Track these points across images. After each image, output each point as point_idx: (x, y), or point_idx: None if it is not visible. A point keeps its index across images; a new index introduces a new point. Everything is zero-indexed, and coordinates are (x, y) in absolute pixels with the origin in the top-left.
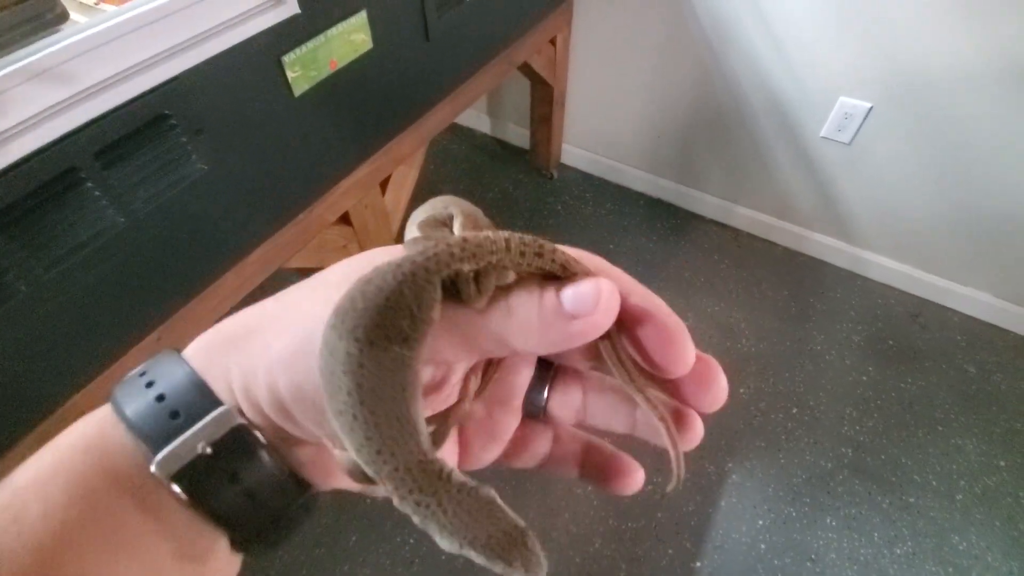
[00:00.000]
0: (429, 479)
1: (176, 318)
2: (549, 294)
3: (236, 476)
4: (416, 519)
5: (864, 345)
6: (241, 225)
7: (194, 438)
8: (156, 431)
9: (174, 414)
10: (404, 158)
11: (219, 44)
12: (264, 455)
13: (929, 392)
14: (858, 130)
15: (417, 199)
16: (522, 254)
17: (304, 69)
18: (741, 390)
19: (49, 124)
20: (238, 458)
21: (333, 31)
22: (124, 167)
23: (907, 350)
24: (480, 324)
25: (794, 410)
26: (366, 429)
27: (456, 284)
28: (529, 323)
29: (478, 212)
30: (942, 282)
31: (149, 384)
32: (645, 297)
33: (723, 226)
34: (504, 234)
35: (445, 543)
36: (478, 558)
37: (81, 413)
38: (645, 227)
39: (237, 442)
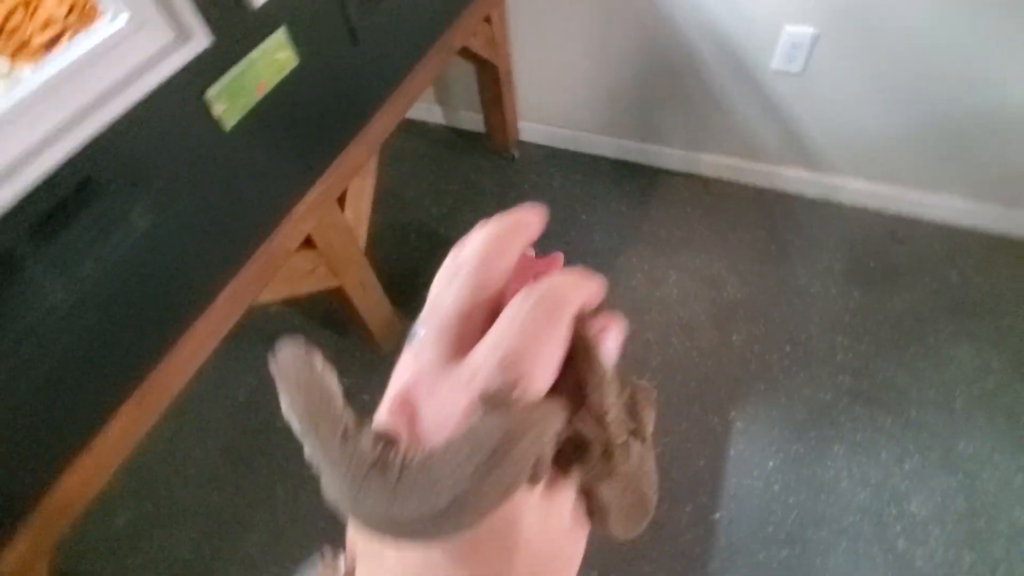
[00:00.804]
0: None
1: (152, 378)
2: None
3: None
4: None
5: (846, 271)
6: (201, 270)
7: None
8: None
9: None
10: (356, 169)
11: (133, 94)
12: None
13: (915, 307)
14: (808, 58)
15: (378, 207)
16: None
17: (231, 100)
18: (733, 337)
19: None
20: None
21: (254, 54)
22: (62, 239)
23: (888, 268)
24: None
25: (788, 348)
26: None
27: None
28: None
29: None
30: (913, 194)
31: None
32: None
33: (691, 176)
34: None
35: None
36: None
37: (73, 493)
38: (615, 192)
39: None
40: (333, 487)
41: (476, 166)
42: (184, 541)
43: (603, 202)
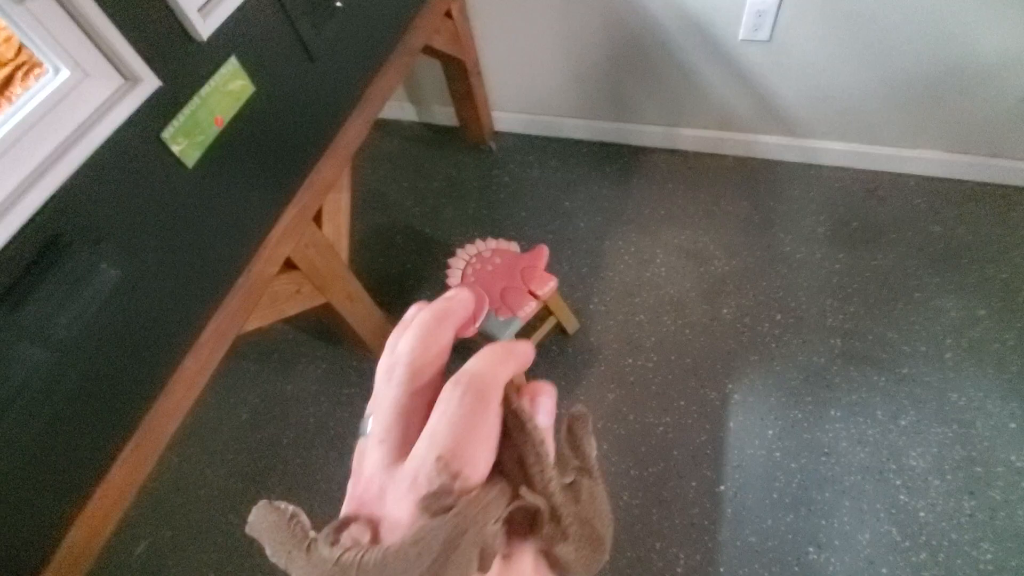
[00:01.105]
0: None
1: (146, 421)
2: None
3: None
4: None
5: (830, 234)
6: (182, 310)
7: None
8: None
9: None
10: (330, 185)
11: (88, 145)
12: None
13: (901, 263)
14: (774, 24)
15: (360, 213)
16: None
17: (189, 138)
18: (724, 311)
19: None
20: None
21: (206, 89)
22: (33, 303)
23: (871, 227)
24: None
25: (778, 316)
26: None
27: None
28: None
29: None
30: (891, 151)
31: None
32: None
33: (671, 152)
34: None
35: None
36: None
37: (83, 546)
38: (595, 175)
39: None
40: None
41: (455, 161)
42: (205, 563)
43: (584, 186)
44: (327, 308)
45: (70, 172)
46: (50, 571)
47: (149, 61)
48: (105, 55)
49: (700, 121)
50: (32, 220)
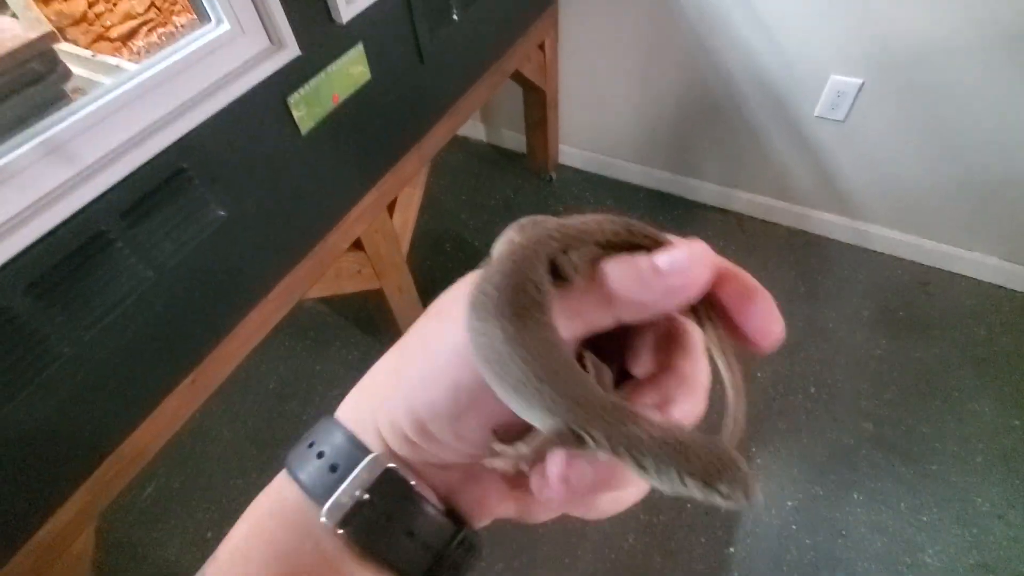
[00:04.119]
0: (625, 416)
1: (208, 360)
2: (641, 258)
3: (392, 516)
4: (630, 458)
5: (874, 319)
6: (261, 264)
7: (351, 486)
8: (321, 486)
9: (333, 467)
10: (408, 179)
11: (227, 95)
12: (416, 493)
13: (942, 359)
14: (851, 107)
15: (422, 216)
16: (613, 232)
17: (309, 107)
18: (759, 375)
19: (75, 194)
20: (394, 500)
21: (333, 67)
22: (149, 224)
23: (917, 319)
24: (583, 295)
25: (812, 390)
26: (554, 387)
27: (559, 268)
28: (624, 283)
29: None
30: (948, 248)
31: (311, 446)
32: (727, 264)
33: (725, 212)
34: (595, 217)
35: (662, 479)
36: (695, 489)
37: (131, 458)
38: (647, 221)
39: (391, 485)
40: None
41: (514, 185)
42: (205, 521)
43: None
44: (378, 294)
45: (207, 116)
46: (94, 479)
47: (295, 31)
48: (262, 18)
49: (759, 187)
50: (166, 150)
